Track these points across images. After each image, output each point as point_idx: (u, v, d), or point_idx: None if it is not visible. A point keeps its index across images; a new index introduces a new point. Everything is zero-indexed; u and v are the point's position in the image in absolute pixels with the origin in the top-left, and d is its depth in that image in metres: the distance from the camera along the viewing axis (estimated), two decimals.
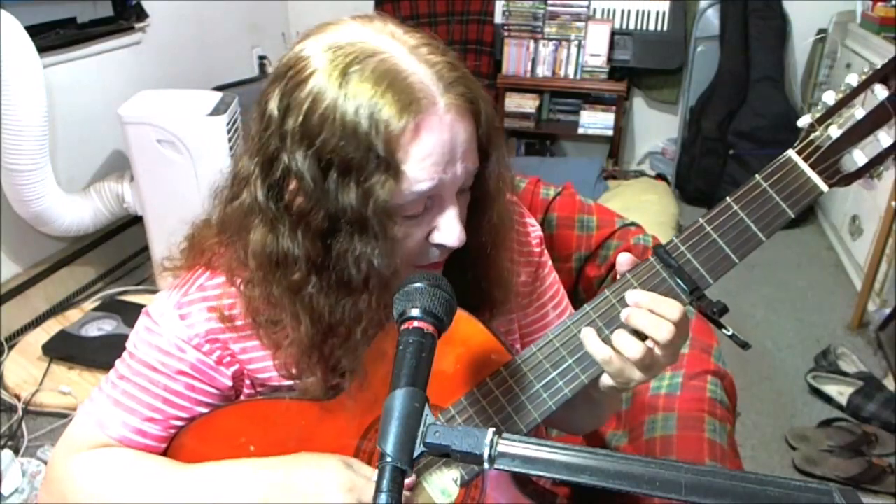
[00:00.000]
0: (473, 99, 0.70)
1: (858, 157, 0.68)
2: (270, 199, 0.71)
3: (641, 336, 0.70)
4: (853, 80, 0.69)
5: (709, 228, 0.71)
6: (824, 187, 0.70)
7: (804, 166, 0.70)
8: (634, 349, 0.69)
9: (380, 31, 0.69)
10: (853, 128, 0.68)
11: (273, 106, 0.69)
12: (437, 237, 0.72)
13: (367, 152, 0.65)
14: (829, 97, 0.70)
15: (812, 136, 0.70)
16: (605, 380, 0.73)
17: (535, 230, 0.93)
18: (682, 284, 0.71)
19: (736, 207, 0.71)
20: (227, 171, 0.78)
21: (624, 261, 0.74)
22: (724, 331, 0.72)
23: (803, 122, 0.71)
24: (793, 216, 0.71)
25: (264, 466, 0.75)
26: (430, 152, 0.66)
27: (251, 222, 0.72)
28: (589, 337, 0.72)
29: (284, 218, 0.70)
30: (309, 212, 0.69)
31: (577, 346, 0.73)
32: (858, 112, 0.68)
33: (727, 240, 0.71)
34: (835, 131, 0.69)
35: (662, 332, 0.69)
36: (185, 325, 0.76)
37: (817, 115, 0.70)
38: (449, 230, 0.71)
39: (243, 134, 2.50)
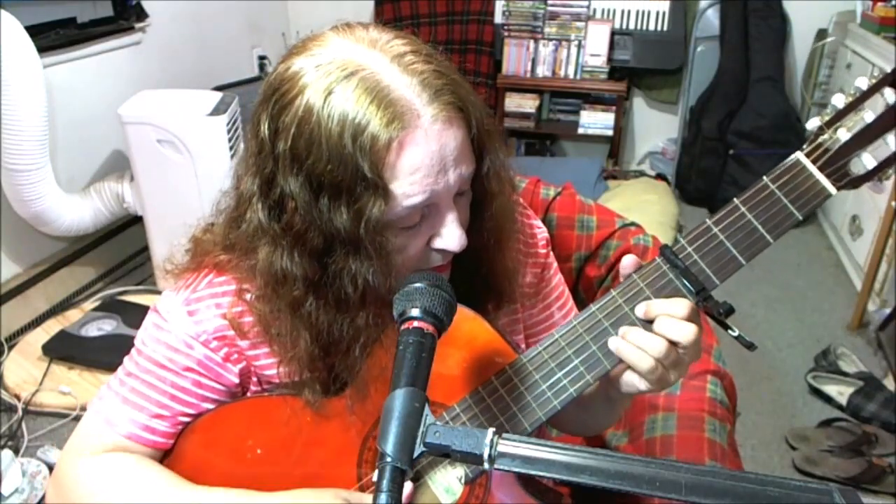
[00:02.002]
0: (462, 105, 0.69)
1: (867, 160, 0.68)
2: (272, 219, 0.72)
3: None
4: (863, 83, 0.69)
5: (716, 230, 0.71)
6: (833, 190, 0.70)
7: (812, 169, 0.70)
8: (656, 346, 0.69)
9: (361, 40, 0.69)
10: (862, 131, 0.68)
11: (263, 129, 0.69)
12: (438, 243, 0.72)
13: (354, 174, 0.65)
14: (839, 100, 0.70)
15: (821, 138, 0.70)
16: (636, 383, 0.72)
17: (541, 231, 0.93)
18: (688, 285, 0.71)
19: (743, 209, 0.71)
20: (228, 187, 0.79)
21: (628, 263, 0.73)
22: (730, 332, 0.71)
23: (812, 124, 0.71)
24: (801, 219, 0.71)
25: (267, 502, 0.75)
26: (418, 167, 0.66)
27: (257, 243, 0.73)
28: (622, 346, 0.71)
29: (285, 237, 0.71)
30: (304, 232, 0.69)
31: (583, 345, 0.73)
32: (868, 115, 0.68)
33: (734, 241, 0.71)
34: (844, 134, 0.69)
35: (685, 332, 0.68)
36: (192, 322, 0.77)
37: (826, 117, 0.70)
38: (449, 236, 0.71)
39: (243, 136, 2.50)
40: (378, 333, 0.75)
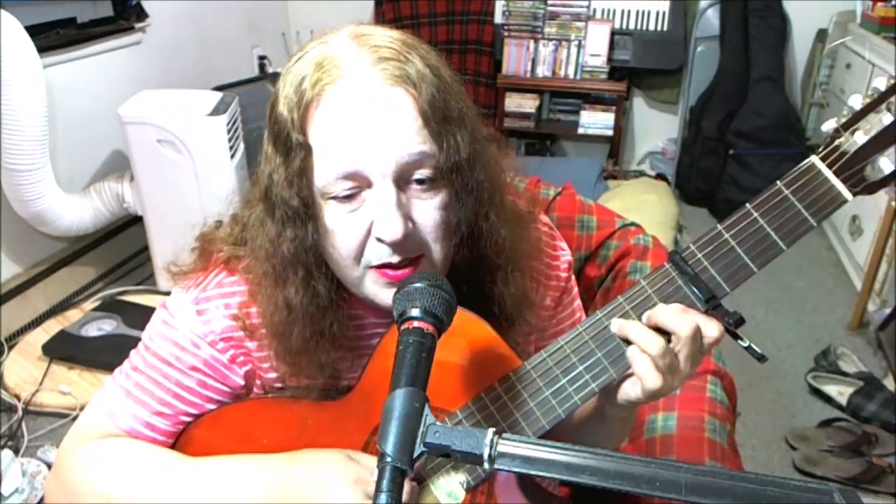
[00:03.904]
0: (409, 76, 0.66)
1: (885, 164, 0.65)
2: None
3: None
4: (881, 83, 0.66)
5: (727, 236, 0.69)
6: (848, 196, 0.67)
7: (828, 173, 0.67)
8: (654, 343, 0.67)
9: (343, 29, 0.71)
10: (880, 133, 0.65)
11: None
12: (374, 230, 0.68)
13: (284, 128, 0.67)
14: (856, 101, 0.67)
15: (837, 141, 0.67)
16: (627, 389, 0.70)
17: (564, 255, 0.90)
18: (697, 293, 0.69)
19: (756, 215, 0.68)
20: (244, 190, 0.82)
21: None
22: (739, 342, 0.70)
23: (828, 126, 0.68)
24: (815, 225, 0.68)
25: (269, 464, 0.75)
26: (344, 126, 0.65)
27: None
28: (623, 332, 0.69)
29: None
30: (266, 195, 0.71)
31: (589, 353, 0.71)
32: (886, 117, 0.65)
33: (746, 248, 0.68)
34: (861, 137, 0.66)
35: (684, 325, 0.66)
36: (201, 322, 0.77)
37: (843, 119, 0.67)
38: (382, 221, 0.66)
39: (243, 136, 2.51)
40: (346, 314, 0.75)
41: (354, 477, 0.71)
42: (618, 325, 0.70)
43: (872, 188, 0.67)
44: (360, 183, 0.67)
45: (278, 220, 0.70)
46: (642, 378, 0.68)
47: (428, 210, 0.69)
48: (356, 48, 0.67)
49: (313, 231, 0.70)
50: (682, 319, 0.67)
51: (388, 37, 0.69)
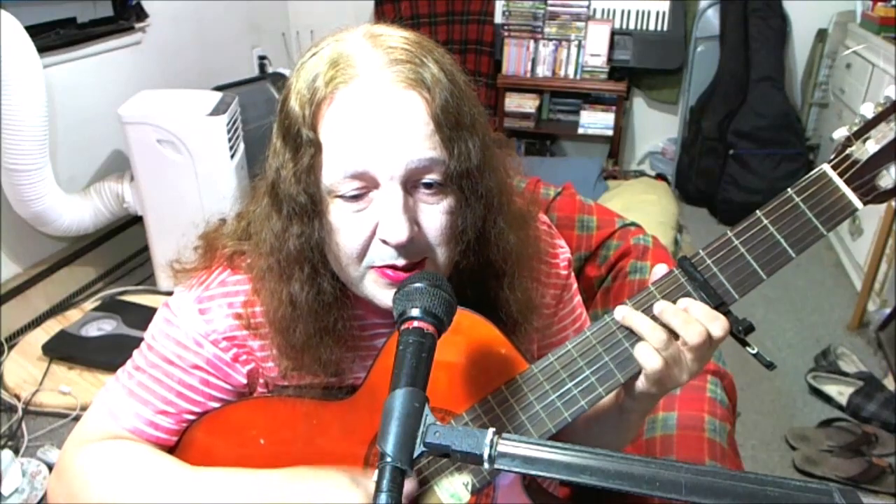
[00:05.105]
0: (424, 80, 0.65)
1: (895, 173, 0.66)
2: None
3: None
4: (892, 92, 0.67)
5: (737, 242, 0.69)
6: (859, 204, 0.67)
7: (839, 182, 0.67)
8: (656, 335, 0.68)
9: (357, 28, 0.70)
10: (892, 143, 0.66)
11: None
12: (379, 231, 0.68)
13: (295, 123, 0.67)
14: (868, 109, 0.67)
15: (848, 150, 0.67)
16: (640, 382, 0.71)
17: (563, 252, 0.91)
18: (706, 299, 0.69)
19: (766, 222, 0.69)
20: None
21: (657, 271, 0.72)
22: (748, 349, 0.70)
23: (839, 134, 0.69)
24: (825, 234, 0.68)
25: (268, 481, 0.74)
26: (355, 126, 0.65)
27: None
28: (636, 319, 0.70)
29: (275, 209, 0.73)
30: (273, 189, 0.71)
31: (596, 357, 0.71)
32: None
33: (755, 255, 0.69)
34: (872, 146, 0.66)
35: (693, 332, 0.67)
36: (203, 321, 0.77)
37: (854, 128, 0.68)
38: (388, 225, 0.66)
39: (243, 136, 2.51)
40: (349, 314, 0.74)
41: None
42: (622, 315, 0.70)
43: (883, 197, 0.67)
44: (368, 183, 0.67)
45: (285, 215, 0.70)
46: (643, 362, 0.69)
47: (434, 214, 0.69)
48: (371, 48, 0.67)
49: (319, 228, 0.69)
50: (692, 327, 0.67)
51: (404, 38, 0.69)
